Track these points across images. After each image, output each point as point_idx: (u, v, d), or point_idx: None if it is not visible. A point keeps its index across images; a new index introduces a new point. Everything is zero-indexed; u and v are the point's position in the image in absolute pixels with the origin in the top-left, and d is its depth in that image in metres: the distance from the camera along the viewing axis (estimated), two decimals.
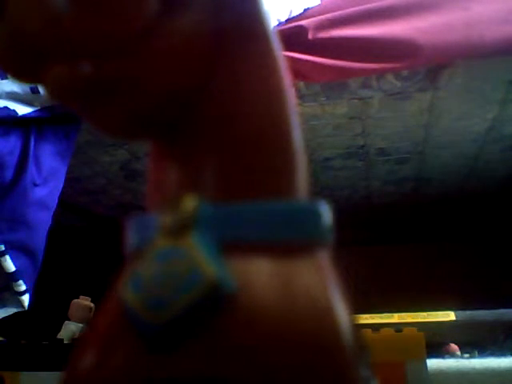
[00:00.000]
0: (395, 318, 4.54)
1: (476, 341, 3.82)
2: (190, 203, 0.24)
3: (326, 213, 0.26)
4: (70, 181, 2.02)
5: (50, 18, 0.21)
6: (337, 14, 1.67)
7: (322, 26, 1.66)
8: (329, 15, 1.67)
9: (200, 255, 0.23)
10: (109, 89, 0.23)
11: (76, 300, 1.68)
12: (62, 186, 1.85)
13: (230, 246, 0.23)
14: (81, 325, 1.59)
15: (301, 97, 2.51)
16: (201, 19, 0.24)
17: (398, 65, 1.71)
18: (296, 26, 1.66)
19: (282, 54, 0.27)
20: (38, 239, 1.76)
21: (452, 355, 3.44)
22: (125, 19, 0.21)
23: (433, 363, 1.95)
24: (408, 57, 1.64)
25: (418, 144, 3.17)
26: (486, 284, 4.50)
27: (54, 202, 1.82)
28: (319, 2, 1.74)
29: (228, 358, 0.22)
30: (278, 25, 1.64)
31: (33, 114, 1.71)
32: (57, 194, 1.83)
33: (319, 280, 0.25)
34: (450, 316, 4.59)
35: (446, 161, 3.40)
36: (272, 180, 0.25)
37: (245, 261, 0.23)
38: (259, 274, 0.23)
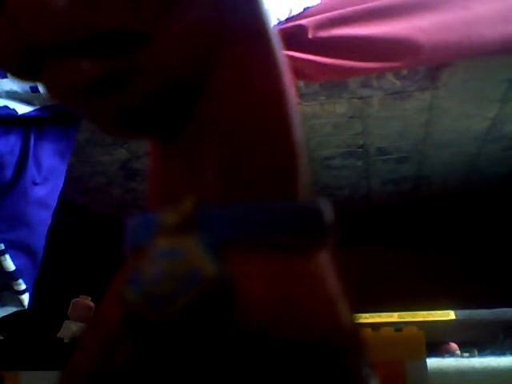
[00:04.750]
0: (395, 317, 4.54)
1: (476, 340, 3.82)
2: (190, 203, 0.24)
3: (326, 212, 0.26)
4: (69, 180, 2.02)
5: (49, 14, 0.21)
6: (337, 13, 1.67)
7: (322, 25, 1.66)
8: (329, 14, 1.67)
9: (200, 255, 0.23)
10: (108, 86, 0.23)
11: (76, 299, 1.68)
12: (61, 184, 1.86)
13: (230, 245, 0.23)
14: (81, 324, 1.59)
15: (300, 96, 2.51)
16: (202, 18, 0.24)
17: (397, 64, 1.71)
18: (296, 25, 1.66)
19: (283, 53, 0.27)
20: (38, 238, 1.76)
21: (452, 354, 3.44)
22: (125, 16, 0.21)
23: (432, 362, 1.95)
24: (408, 56, 1.64)
25: (417, 143, 3.16)
26: (485, 283, 4.50)
27: (53, 201, 1.82)
28: (319, 1, 1.73)
29: (228, 356, 0.22)
30: (277, 24, 1.64)
31: (32, 113, 1.71)
32: (57, 192, 1.83)
33: (319, 279, 0.25)
34: (449, 315, 4.59)
35: (446, 160, 3.40)
36: (272, 180, 0.25)
37: (245, 261, 0.23)
38: (259, 274, 0.23)
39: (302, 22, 1.66)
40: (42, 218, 1.77)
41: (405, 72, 2.37)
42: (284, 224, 0.24)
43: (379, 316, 4.36)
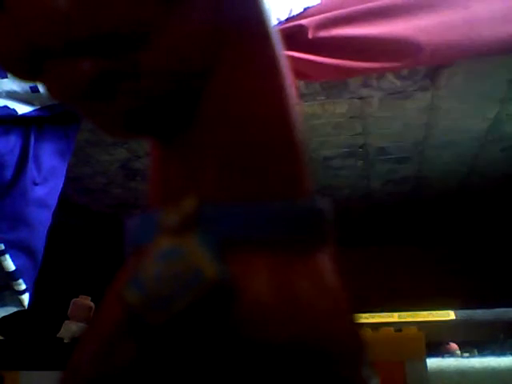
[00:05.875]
0: (395, 317, 4.54)
1: (476, 340, 3.82)
2: (191, 203, 0.24)
3: (326, 212, 0.26)
4: (70, 180, 2.02)
5: (50, 14, 0.21)
6: (337, 13, 1.67)
7: (322, 25, 1.66)
8: (329, 14, 1.67)
9: (201, 255, 0.23)
10: (109, 86, 0.23)
11: (76, 299, 1.68)
12: (62, 184, 1.85)
13: (231, 245, 0.23)
14: (81, 324, 1.59)
15: (300, 96, 2.51)
16: (202, 18, 0.24)
17: (398, 64, 1.71)
18: (296, 25, 1.66)
19: (283, 53, 0.27)
20: (38, 238, 1.76)
21: (452, 354, 3.44)
22: (126, 17, 0.21)
23: (432, 362, 1.95)
24: (408, 56, 1.64)
25: (418, 143, 3.16)
26: (485, 283, 4.50)
27: (54, 201, 1.82)
28: (319, 1, 1.73)
29: (229, 356, 0.22)
30: (277, 24, 1.64)
31: (33, 113, 1.71)
32: (57, 193, 1.83)
33: (319, 279, 0.25)
34: (449, 315, 4.59)
35: (446, 160, 3.40)
36: (273, 179, 0.25)
37: (246, 260, 0.23)
38: (260, 274, 0.23)
39: (302, 22, 1.66)
40: (42, 218, 1.77)
41: (405, 72, 2.37)
42: (285, 224, 0.24)
43: (379, 316, 4.36)
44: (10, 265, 1.68)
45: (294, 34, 1.63)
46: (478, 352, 3.45)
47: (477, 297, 4.41)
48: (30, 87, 1.64)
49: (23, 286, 1.74)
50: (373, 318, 4.28)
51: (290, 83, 0.27)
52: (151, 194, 0.28)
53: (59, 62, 0.22)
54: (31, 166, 1.73)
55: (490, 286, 4.47)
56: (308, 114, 2.70)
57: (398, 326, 1.76)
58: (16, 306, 1.82)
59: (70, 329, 1.58)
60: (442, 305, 4.53)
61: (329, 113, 2.76)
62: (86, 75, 0.22)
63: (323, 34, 1.65)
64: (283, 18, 1.68)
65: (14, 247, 1.69)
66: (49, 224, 1.80)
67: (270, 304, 0.23)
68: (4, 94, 1.65)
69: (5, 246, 1.67)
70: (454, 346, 3.64)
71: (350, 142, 3.14)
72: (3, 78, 1.61)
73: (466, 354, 3.45)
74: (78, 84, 0.22)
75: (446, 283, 4.52)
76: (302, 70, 1.69)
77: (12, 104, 1.67)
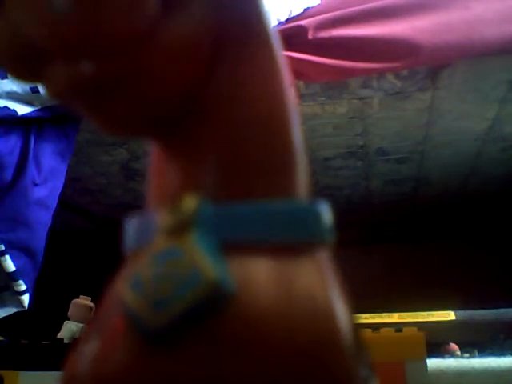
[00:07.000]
0: (395, 317, 4.54)
1: (476, 340, 3.82)
2: (190, 203, 0.24)
3: (326, 213, 0.26)
4: (69, 180, 2.02)
5: (50, 16, 0.21)
6: (337, 13, 1.67)
7: (322, 26, 1.66)
8: (329, 15, 1.67)
9: (200, 255, 0.23)
10: (109, 88, 0.23)
11: (76, 300, 1.68)
12: (62, 185, 1.86)
13: (230, 246, 0.23)
14: (81, 324, 1.59)
15: (300, 96, 2.51)
16: (200, 19, 0.24)
17: (398, 64, 1.71)
18: (296, 26, 1.66)
19: (282, 54, 0.27)
20: (38, 239, 1.76)
21: (452, 355, 3.44)
22: (126, 19, 0.21)
23: (433, 363, 1.95)
24: (408, 56, 1.64)
25: (418, 144, 3.16)
26: (485, 284, 4.50)
27: (54, 202, 1.82)
28: (319, 2, 1.74)
29: (227, 357, 0.22)
30: (277, 25, 1.64)
31: (33, 114, 1.72)
32: (57, 193, 1.83)
33: (319, 280, 0.25)
34: (449, 316, 4.59)
35: (446, 160, 3.40)
36: (273, 180, 0.25)
37: (245, 261, 0.23)
38: (259, 275, 0.23)
39: (302, 22, 1.66)
40: (42, 219, 1.77)
41: (405, 72, 2.38)
42: (284, 225, 0.24)
43: (379, 316, 4.36)
44: (10, 265, 1.68)
45: (294, 35, 1.63)
46: (478, 352, 3.45)
47: (477, 297, 4.41)
48: (30, 88, 1.64)
49: (23, 287, 1.74)
50: (373, 318, 4.28)
51: (290, 84, 0.27)
52: (150, 195, 0.28)
53: (59, 63, 0.22)
54: (31, 166, 1.73)
55: (490, 286, 4.47)
56: (308, 115, 2.70)
57: (398, 327, 1.76)
58: (16, 306, 1.82)
59: (70, 329, 1.58)
60: (442, 305, 4.54)
61: (329, 113, 2.76)
62: (86, 77, 0.22)
63: (323, 34, 1.65)
64: (283, 18, 1.68)
65: (14, 248, 1.69)
66: (49, 224, 1.80)
67: (269, 305, 0.23)
68: (4, 94, 1.65)
69: (5, 246, 1.67)
70: (454, 346, 3.63)
71: (350, 142, 3.14)
72: (3, 78, 1.61)
73: (466, 355, 3.45)
74: (78, 85, 0.22)
75: (446, 283, 4.53)
76: (301, 71, 1.69)
77: (12, 105, 1.67)
